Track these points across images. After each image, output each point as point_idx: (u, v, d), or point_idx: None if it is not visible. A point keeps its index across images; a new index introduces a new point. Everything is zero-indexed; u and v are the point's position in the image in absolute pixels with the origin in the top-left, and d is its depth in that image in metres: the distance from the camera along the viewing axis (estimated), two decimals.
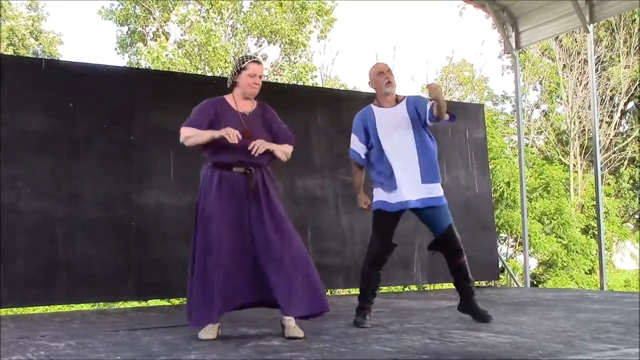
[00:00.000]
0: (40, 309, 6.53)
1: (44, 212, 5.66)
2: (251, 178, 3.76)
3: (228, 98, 3.92)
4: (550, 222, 16.86)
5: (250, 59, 3.87)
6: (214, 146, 3.77)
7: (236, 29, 18.08)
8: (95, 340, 3.75)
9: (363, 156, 4.35)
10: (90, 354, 3.26)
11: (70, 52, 30.79)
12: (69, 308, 8.68)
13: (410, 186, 4.15)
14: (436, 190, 4.22)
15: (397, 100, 4.33)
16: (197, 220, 3.77)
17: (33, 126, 5.71)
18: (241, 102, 3.89)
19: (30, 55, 17.10)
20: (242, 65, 3.82)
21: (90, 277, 5.76)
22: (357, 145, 4.35)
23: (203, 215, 3.74)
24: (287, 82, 15.90)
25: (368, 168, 4.40)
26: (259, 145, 3.73)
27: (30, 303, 5.77)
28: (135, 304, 6.67)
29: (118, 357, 3.14)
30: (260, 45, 18.52)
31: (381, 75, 4.30)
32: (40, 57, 16.95)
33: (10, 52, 16.84)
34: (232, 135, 3.65)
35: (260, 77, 3.87)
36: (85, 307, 9.47)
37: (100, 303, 9.68)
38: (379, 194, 4.25)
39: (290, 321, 3.71)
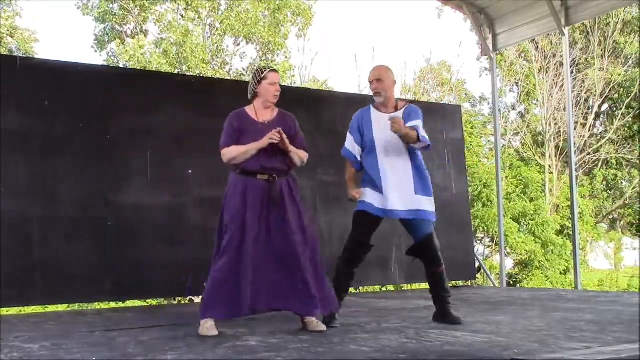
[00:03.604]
0: (14, 310, 6.43)
1: (19, 212, 5.58)
2: (274, 185, 3.92)
3: (248, 109, 4.09)
4: (529, 223, 17.03)
5: (268, 68, 4.07)
6: None
7: (215, 27, 17.99)
8: (71, 341, 3.71)
9: (358, 158, 4.31)
10: (65, 355, 3.23)
11: (46, 49, 30.42)
12: (43, 309, 8.56)
13: (400, 194, 4.14)
14: (428, 204, 4.23)
15: (397, 107, 4.30)
16: (220, 223, 3.95)
17: (8, 125, 5.62)
18: (262, 111, 4.05)
19: (5, 53, 16.83)
20: (262, 75, 4.01)
21: (66, 277, 5.69)
22: (352, 145, 4.32)
23: (225, 220, 3.91)
24: None
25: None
26: (281, 136, 3.89)
27: (5, 304, 5.68)
28: (112, 304, 6.62)
29: (93, 358, 3.11)
30: (238, 44, 18.45)
31: (371, 84, 4.29)
32: (15, 54, 16.69)
33: None
34: (274, 137, 3.84)
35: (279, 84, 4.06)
36: (61, 307, 9.35)
37: (77, 304, 9.57)
38: (365, 195, 4.21)
39: (309, 317, 3.92)
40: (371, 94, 4.34)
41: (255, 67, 4.30)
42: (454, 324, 4.14)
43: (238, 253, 3.79)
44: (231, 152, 3.93)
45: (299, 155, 4.04)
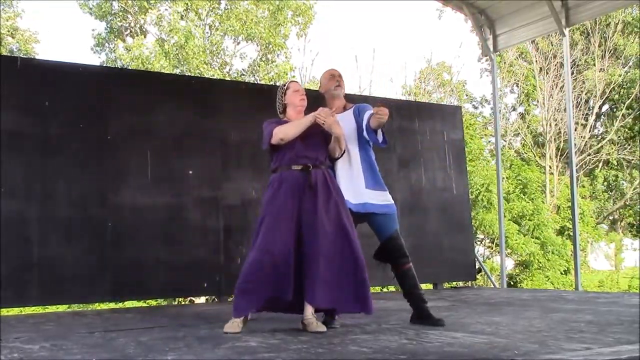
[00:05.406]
0: (13, 310, 6.43)
1: (18, 212, 5.58)
2: (309, 174, 3.94)
3: (283, 119, 4.21)
4: (527, 223, 17.03)
5: (289, 81, 4.32)
6: (276, 150, 4.05)
7: (215, 27, 17.98)
8: (70, 341, 3.70)
9: None
10: (64, 355, 3.23)
11: (47, 50, 30.45)
12: (43, 309, 8.56)
13: (351, 191, 4.13)
14: (382, 197, 4.21)
15: (345, 108, 4.35)
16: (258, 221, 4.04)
17: (8, 125, 5.62)
18: (295, 117, 4.15)
19: (6, 54, 16.83)
20: (286, 87, 4.22)
21: (65, 278, 5.69)
22: None
23: (260, 214, 4.00)
24: (266, 83, 15.84)
25: None
26: (330, 119, 3.93)
27: (4, 305, 5.69)
28: (112, 305, 6.61)
29: (93, 359, 3.11)
30: (238, 44, 18.45)
31: (332, 79, 4.34)
32: (15, 55, 16.71)
33: None
34: (321, 114, 3.93)
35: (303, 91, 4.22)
36: (60, 308, 9.35)
37: (76, 304, 9.57)
38: None
39: (309, 318, 3.89)
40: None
41: (280, 85, 4.41)
42: (436, 325, 4.06)
43: (266, 246, 3.83)
44: (282, 128, 3.98)
45: (340, 144, 4.06)
